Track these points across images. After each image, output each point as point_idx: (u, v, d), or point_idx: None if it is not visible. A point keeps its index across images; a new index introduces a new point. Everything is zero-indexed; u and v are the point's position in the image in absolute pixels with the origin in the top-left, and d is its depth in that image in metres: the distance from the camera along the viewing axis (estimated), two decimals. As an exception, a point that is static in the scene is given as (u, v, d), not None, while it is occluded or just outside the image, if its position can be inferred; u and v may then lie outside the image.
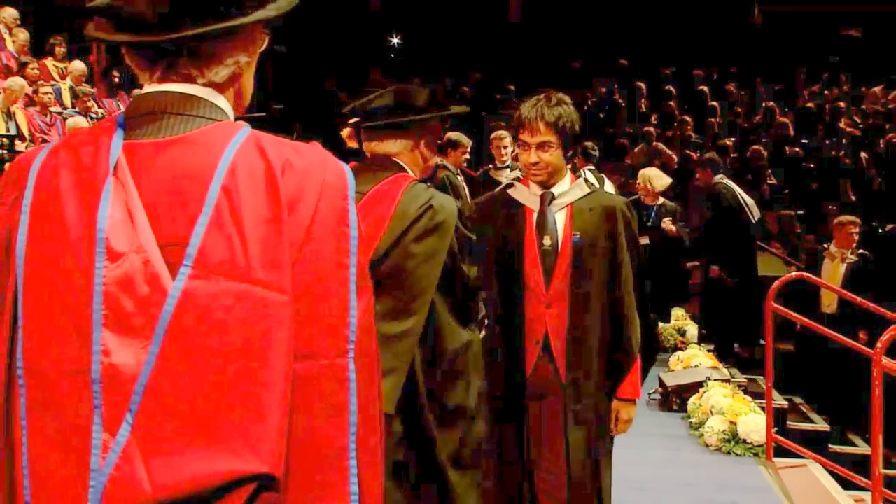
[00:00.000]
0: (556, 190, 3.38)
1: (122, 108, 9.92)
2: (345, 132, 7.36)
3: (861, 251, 8.71)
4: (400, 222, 2.68)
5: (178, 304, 1.28)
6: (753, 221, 9.07)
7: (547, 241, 3.34)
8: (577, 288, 3.31)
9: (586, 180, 4.18)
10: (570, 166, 3.44)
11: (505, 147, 8.54)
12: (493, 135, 8.89)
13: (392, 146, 2.86)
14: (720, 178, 9.12)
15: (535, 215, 3.38)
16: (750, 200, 9.12)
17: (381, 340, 2.62)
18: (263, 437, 1.28)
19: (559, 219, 3.37)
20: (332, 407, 1.34)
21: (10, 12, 11.39)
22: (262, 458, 1.27)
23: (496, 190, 4.00)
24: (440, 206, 2.74)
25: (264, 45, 1.51)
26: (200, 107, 1.41)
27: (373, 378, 1.41)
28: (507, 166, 8.47)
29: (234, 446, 1.26)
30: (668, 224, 9.17)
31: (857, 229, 8.71)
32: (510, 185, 3.52)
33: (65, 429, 1.30)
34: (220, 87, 1.44)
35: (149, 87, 1.43)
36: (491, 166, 8.88)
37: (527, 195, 3.42)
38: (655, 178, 9.48)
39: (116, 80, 12.13)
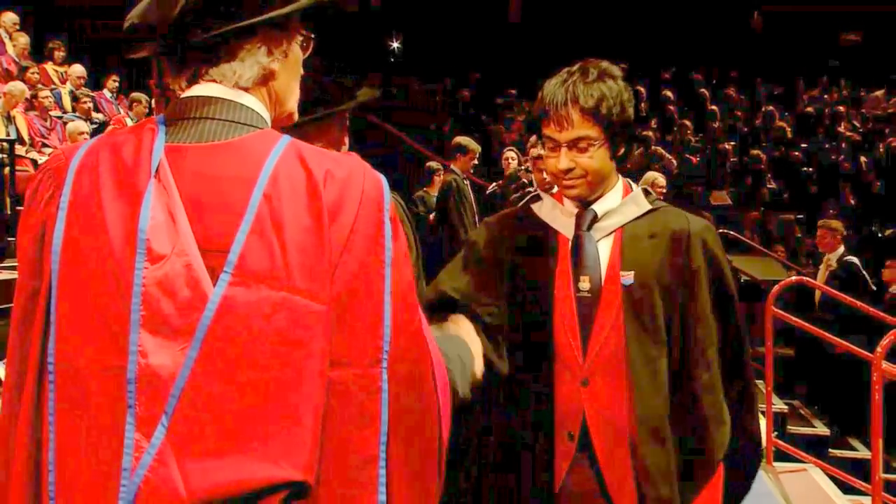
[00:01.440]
0: (599, 207, 2.29)
1: (123, 113, 9.87)
2: None
3: (846, 258, 8.70)
4: None
5: (218, 309, 1.29)
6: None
7: (585, 283, 2.24)
8: (630, 356, 2.20)
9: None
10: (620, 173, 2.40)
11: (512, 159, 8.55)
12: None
13: (317, 142, 2.69)
14: None
15: (569, 245, 2.29)
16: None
17: None
18: (299, 445, 1.28)
19: (603, 250, 2.27)
20: (363, 415, 1.35)
21: (10, 17, 11.40)
22: (296, 465, 1.28)
23: (517, 205, 2.83)
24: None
25: (306, 50, 1.53)
26: (242, 113, 1.43)
27: (413, 386, 1.41)
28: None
29: (269, 453, 1.27)
30: None
31: (836, 234, 8.69)
32: (535, 199, 2.42)
33: (95, 427, 1.30)
34: (254, 91, 1.46)
35: (188, 92, 1.45)
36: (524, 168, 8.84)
37: (558, 215, 2.33)
38: (656, 183, 9.48)
39: (116, 83, 12.14)
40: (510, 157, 9.31)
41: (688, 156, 14.08)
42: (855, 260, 8.63)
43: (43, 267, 1.37)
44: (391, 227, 1.40)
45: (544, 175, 4.93)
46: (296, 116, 1.58)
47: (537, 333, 2.27)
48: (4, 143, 8.61)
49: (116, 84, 12.15)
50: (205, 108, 1.41)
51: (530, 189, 6.06)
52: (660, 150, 13.63)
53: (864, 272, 8.61)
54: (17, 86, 9.78)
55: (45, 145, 9.78)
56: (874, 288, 8.76)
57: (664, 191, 9.23)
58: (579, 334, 2.24)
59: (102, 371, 1.30)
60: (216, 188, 1.35)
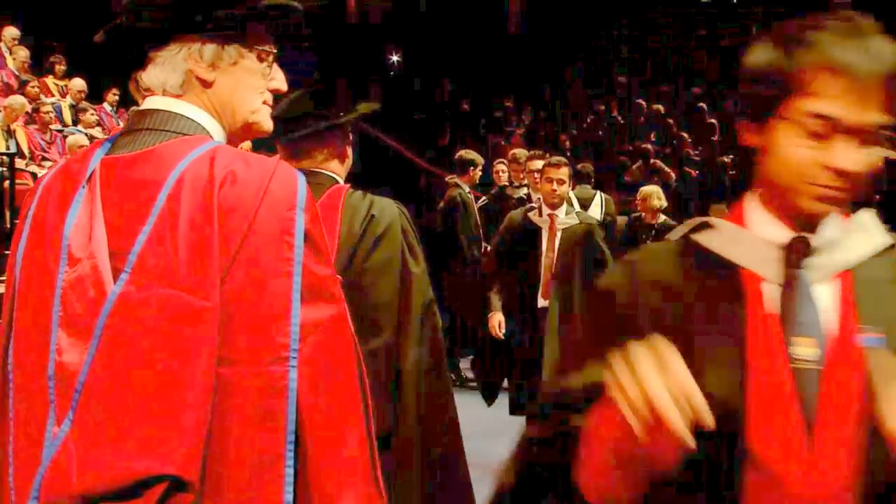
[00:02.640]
0: (820, 240, 1.44)
1: (122, 125, 9.98)
2: (245, 146, 7.23)
3: None
4: (347, 242, 2.61)
5: (114, 307, 1.35)
6: None
7: (804, 348, 1.36)
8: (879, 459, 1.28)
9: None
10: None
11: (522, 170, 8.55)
12: (510, 156, 9.00)
13: (319, 155, 2.73)
14: None
15: (769, 290, 1.41)
16: None
17: None
18: (175, 440, 1.31)
19: (827, 299, 1.41)
20: (264, 414, 1.35)
21: (11, 31, 11.43)
22: (171, 459, 1.30)
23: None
24: (380, 214, 2.66)
25: (263, 61, 1.54)
26: (174, 122, 1.49)
27: (334, 387, 1.41)
28: (525, 184, 8.41)
29: (147, 446, 1.31)
30: None
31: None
32: (703, 226, 1.52)
33: (32, 422, 1.39)
34: (190, 99, 1.51)
35: (142, 105, 1.54)
36: (507, 184, 8.90)
37: (750, 246, 1.46)
38: (656, 197, 9.49)
39: (116, 97, 12.16)
40: (501, 169, 9.36)
41: (687, 169, 14.09)
42: None
43: (10, 278, 1.49)
44: (306, 227, 1.40)
45: (554, 187, 5.70)
46: (265, 126, 1.59)
47: (729, 421, 1.31)
48: (4, 157, 8.64)
49: (117, 97, 12.17)
50: (144, 120, 1.50)
51: (533, 204, 6.23)
52: (658, 162, 13.65)
53: None
54: (17, 99, 9.80)
55: (44, 159, 9.79)
56: None
57: (662, 206, 9.25)
58: (800, 421, 1.33)
59: (34, 369, 1.40)
60: (131, 193, 1.42)
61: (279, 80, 1.60)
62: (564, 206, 5.90)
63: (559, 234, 5.80)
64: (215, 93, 1.52)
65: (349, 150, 2.79)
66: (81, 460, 1.32)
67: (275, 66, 1.59)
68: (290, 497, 1.36)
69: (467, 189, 8.32)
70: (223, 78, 1.52)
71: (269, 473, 1.35)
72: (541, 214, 5.86)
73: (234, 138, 1.57)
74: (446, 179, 10.06)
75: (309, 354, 1.37)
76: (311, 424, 1.37)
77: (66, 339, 1.37)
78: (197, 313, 1.33)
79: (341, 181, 2.76)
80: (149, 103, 1.51)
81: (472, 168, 8.37)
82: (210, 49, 1.50)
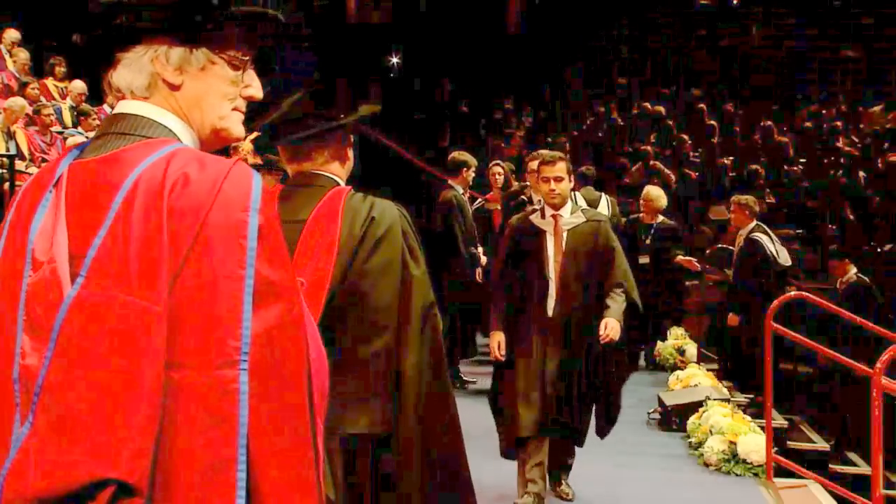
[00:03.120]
0: None
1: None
2: (245, 148, 7.21)
3: (856, 274, 8.73)
4: (347, 244, 2.61)
5: (69, 310, 1.35)
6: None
7: None
8: None
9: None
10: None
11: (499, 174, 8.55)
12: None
13: (320, 157, 2.73)
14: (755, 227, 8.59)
15: None
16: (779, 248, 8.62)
17: (356, 365, 2.62)
18: (121, 443, 1.30)
19: None
20: (214, 418, 1.33)
21: (11, 34, 11.43)
22: (117, 464, 1.29)
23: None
24: (381, 216, 2.66)
25: (237, 69, 1.53)
26: (141, 126, 1.49)
27: (283, 390, 1.39)
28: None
29: (95, 450, 1.30)
30: (682, 258, 9.06)
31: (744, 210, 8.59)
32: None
33: (4, 425, 1.40)
34: (158, 102, 1.51)
35: (115, 108, 1.55)
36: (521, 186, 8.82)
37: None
38: (663, 198, 9.48)
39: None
40: (497, 171, 9.33)
41: (686, 170, 14.10)
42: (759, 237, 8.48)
43: None
44: (259, 228, 1.38)
45: (552, 186, 5.11)
46: (234, 133, 1.58)
47: None
48: (4, 159, 8.64)
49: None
50: (113, 124, 1.51)
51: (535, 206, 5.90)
52: (658, 164, 13.66)
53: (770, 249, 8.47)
54: (17, 101, 9.81)
55: (45, 161, 9.79)
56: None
57: (662, 206, 9.23)
58: None
59: (3, 374, 1.40)
60: (91, 197, 1.42)
61: (255, 88, 1.59)
62: (569, 204, 5.29)
63: (565, 236, 5.21)
64: (183, 96, 1.52)
65: (350, 152, 2.79)
66: (37, 463, 1.32)
67: (250, 72, 1.57)
68: (242, 502, 1.34)
69: (461, 190, 8.28)
70: (191, 83, 1.51)
71: (220, 478, 1.33)
72: (544, 216, 5.25)
73: (205, 144, 1.56)
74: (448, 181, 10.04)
75: (258, 358, 1.35)
76: (257, 428, 1.35)
77: (29, 343, 1.38)
78: (146, 317, 1.32)
79: (342, 183, 2.76)
80: (120, 107, 1.52)
81: (464, 169, 8.30)
82: (177, 53, 1.50)
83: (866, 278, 8.84)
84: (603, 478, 5.85)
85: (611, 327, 4.98)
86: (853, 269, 8.89)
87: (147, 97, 1.51)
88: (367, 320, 2.58)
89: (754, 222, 8.55)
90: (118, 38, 1.50)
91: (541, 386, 5.07)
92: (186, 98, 1.52)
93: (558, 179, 5.16)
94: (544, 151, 5.49)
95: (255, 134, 2.78)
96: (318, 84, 2.71)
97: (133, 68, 1.51)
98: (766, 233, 8.52)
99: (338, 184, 2.74)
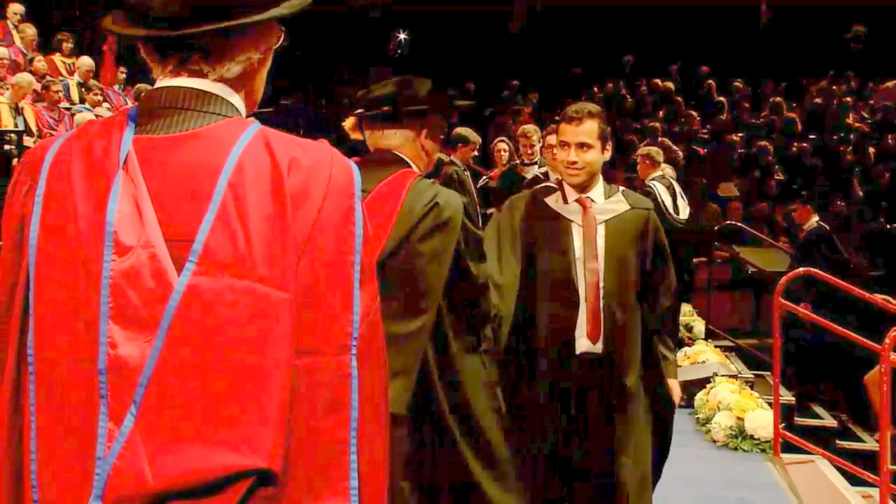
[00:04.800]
0: None
1: (130, 103, 9.91)
2: (348, 123, 7.21)
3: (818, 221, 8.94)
4: (405, 221, 2.63)
5: (183, 299, 1.30)
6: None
7: None
8: None
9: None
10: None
11: (532, 145, 8.18)
12: (519, 131, 8.50)
13: (394, 138, 2.80)
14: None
15: None
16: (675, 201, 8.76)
17: (390, 340, 2.61)
18: (262, 433, 1.29)
19: None
20: (333, 402, 1.35)
21: (16, 8, 11.40)
22: (260, 453, 1.29)
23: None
24: (446, 203, 2.69)
25: (279, 43, 1.53)
26: (213, 103, 1.43)
27: (377, 374, 1.42)
28: (536, 162, 8.07)
29: (233, 441, 1.28)
30: None
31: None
32: None
33: (71, 416, 1.33)
34: (232, 83, 1.46)
35: (161, 82, 1.46)
36: (518, 162, 8.55)
37: None
38: (655, 153, 9.31)
39: (123, 75, 12.15)
40: (502, 148, 9.12)
41: (695, 147, 14.04)
42: None
43: (21, 261, 1.40)
44: (361, 214, 1.40)
45: (572, 157, 3.32)
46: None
47: None
48: (12, 135, 8.64)
49: (123, 76, 12.15)
50: (176, 99, 1.43)
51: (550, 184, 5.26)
52: (666, 141, 13.60)
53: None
54: (24, 77, 9.79)
55: (52, 136, 9.80)
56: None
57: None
58: None
59: (77, 361, 1.33)
60: (182, 178, 1.36)
61: None
62: (600, 184, 3.50)
63: (602, 231, 3.43)
64: (253, 78, 1.51)
65: (426, 138, 2.85)
66: (154, 457, 1.27)
67: None
68: (355, 483, 1.36)
69: (463, 166, 8.13)
70: (261, 65, 1.51)
71: (336, 460, 1.35)
72: (566, 200, 3.47)
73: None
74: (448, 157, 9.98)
75: (361, 342, 1.38)
76: (362, 409, 1.37)
77: (121, 332, 1.30)
78: (275, 304, 1.31)
79: (413, 167, 2.82)
80: (182, 81, 1.44)
81: (461, 144, 8.15)
82: (273, 39, 1.50)
83: (826, 226, 8.93)
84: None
85: (675, 398, 3.54)
86: (815, 217, 9.03)
87: (230, 79, 1.46)
88: (410, 300, 2.60)
89: (658, 171, 8.64)
90: (237, 30, 1.43)
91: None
92: (259, 79, 1.52)
93: (583, 147, 3.40)
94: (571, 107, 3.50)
95: (358, 111, 2.89)
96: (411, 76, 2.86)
97: (239, 58, 1.46)
98: (670, 186, 8.59)
99: (409, 166, 2.80)
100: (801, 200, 9.39)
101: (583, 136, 3.39)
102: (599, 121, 3.43)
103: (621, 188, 3.63)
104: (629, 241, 3.45)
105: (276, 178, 1.35)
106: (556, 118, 6.13)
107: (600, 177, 3.52)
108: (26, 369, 1.37)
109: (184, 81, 1.44)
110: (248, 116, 1.49)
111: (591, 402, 3.40)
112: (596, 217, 3.45)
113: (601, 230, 3.44)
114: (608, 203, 3.49)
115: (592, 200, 3.48)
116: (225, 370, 1.29)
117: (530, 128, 8.42)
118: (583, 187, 3.47)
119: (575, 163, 3.41)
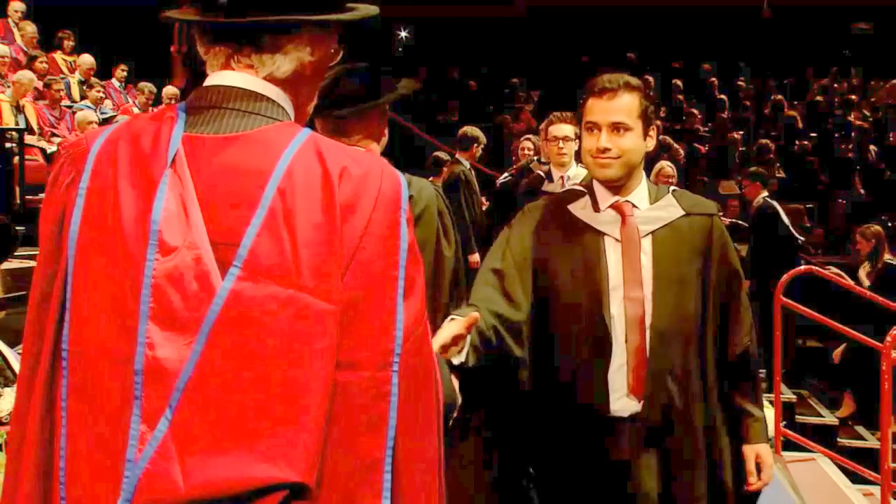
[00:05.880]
0: None
1: (131, 102, 9.85)
2: None
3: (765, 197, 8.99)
4: None
5: (225, 304, 1.27)
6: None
7: None
8: None
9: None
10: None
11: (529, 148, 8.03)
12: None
13: (356, 134, 2.65)
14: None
15: None
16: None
17: None
18: (298, 446, 1.26)
19: None
20: (370, 419, 1.32)
21: (17, 5, 11.40)
22: (295, 466, 1.26)
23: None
24: (418, 194, 2.65)
25: (336, 59, 1.51)
26: (264, 104, 1.40)
27: (425, 394, 1.39)
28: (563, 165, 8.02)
29: (268, 452, 1.26)
30: None
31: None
32: None
33: (103, 415, 1.30)
34: (282, 85, 1.43)
35: (212, 78, 1.43)
36: (535, 159, 8.16)
37: None
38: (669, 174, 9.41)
39: (125, 73, 12.15)
40: (527, 146, 8.98)
41: (696, 145, 14.03)
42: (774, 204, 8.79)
43: (60, 251, 1.38)
44: (406, 228, 1.37)
45: (606, 142, 2.44)
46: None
47: None
48: (14, 133, 8.63)
49: (125, 73, 12.15)
50: (227, 99, 1.39)
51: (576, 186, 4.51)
52: (668, 139, 13.59)
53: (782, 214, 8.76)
54: (25, 75, 9.79)
55: (53, 135, 9.79)
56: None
57: (674, 180, 9.21)
58: None
59: (112, 360, 1.30)
60: (231, 180, 1.33)
61: None
62: (644, 184, 2.61)
63: (648, 246, 2.53)
64: (304, 84, 1.48)
65: (385, 130, 2.75)
66: (187, 464, 1.25)
67: None
68: (388, 503, 1.33)
69: (468, 166, 8.18)
70: (315, 72, 1.48)
71: (369, 478, 1.32)
72: (597, 208, 2.59)
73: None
74: (434, 155, 9.95)
75: (404, 359, 1.34)
76: (402, 429, 1.34)
77: (160, 334, 1.27)
78: (319, 315, 1.28)
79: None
80: (231, 79, 1.41)
81: (474, 145, 8.20)
82: (327, 46, 1.47)
83: (773, 202, 8.98)
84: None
85: (766, 472, 2.57)
86: (763, 193, 9.07)
87: (281, 80, 1.43)
88: None
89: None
90: (293, 26, 1.41)
91: None
92: (310, 86, 1.50)
93: (617, 128, 2.51)
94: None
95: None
96: (357, 63, 2.69)
97: (290, 55, 1.43)
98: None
99: None
100: (750, 177, 9.48)
101: (618, 113, 2.51)
102: (641, 96, 2.56)
103: (672, 188, 2.70)
104: (686, 259, 2.54)
105: (326, 188, 1.32)
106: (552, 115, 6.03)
107: (643, 173, 2.62)
108: (60, 363, 1.35)
109: (234, 79, 1.41)
110: (328, 118, 1.50)
111: (637, 481, 2.48)
112: (639, 228, 2.55)
113: (647, 246, 2.54)
114: (655, 209, 2.58)
115: (634, 206, 2.57)
116: (263, 379, 1.26)
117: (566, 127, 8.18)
118: (619, 187, 2.56)
119: (607, 150, 2.51)
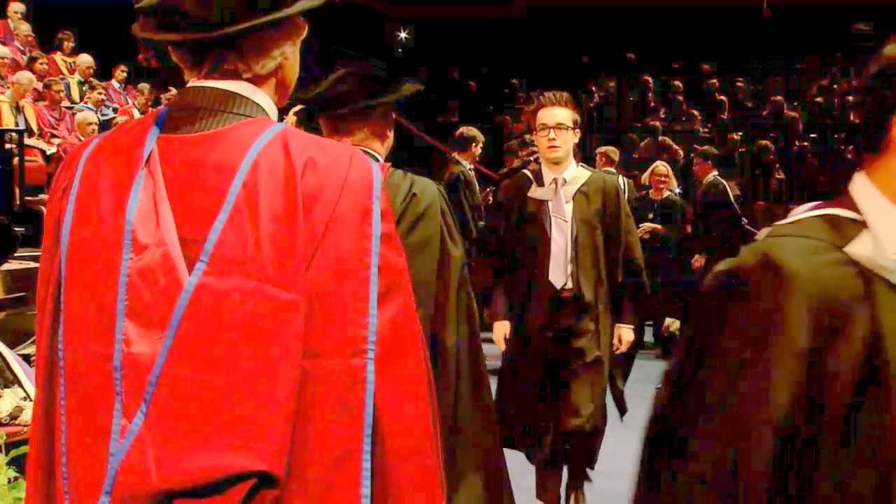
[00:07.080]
0: None
1: (131, 103, 9.84)
2: (289, 120, 7.20)
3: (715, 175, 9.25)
4: None
5: (192, 298, 1.30)
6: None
7: None
8: None
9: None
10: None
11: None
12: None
13: (360, 133, 2.72)
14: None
15: None
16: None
17: None
18: (265, 435, 1.28)
19: None
20: (343, 407, 1.33)
21: (16, 6, 11.40)
22: (261, 455, 1.28)
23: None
24: (422, 193, 2.69)
25: (305, 33, 1.52)
26: (237, 104, 1.42)
27: (413, 385, 1.40)
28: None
29: (235, 442, 1.28)
30: (646, 225, 8.95)
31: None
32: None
33: (92, 411, 1.34)
34: (263, 80, 1.46)
35: (193, 82, 1.45)
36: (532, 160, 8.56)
37: None
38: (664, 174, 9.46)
39: (125, 74, 12.15)
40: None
41: (696, 146, 14.02)
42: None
43: (55, 257, 1.42)
44: (381, 215, 1.38)
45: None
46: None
47: None
48: (13, 134, 8.63)
49: (125, 74, 12.16)
50: (202, 99, 1.42)
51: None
52: (667, 140, 13.59)
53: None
54: (25, 75, 9.80)
55: (53, 135, 9.80)
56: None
57: (667, 179, 9.23)
58: None
59: (95, 359, 1.34)
60: (200, 177, 1.36)
61: None
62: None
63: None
64: (284, 73, 1.50)
65: (390, 130, 2.79)
66: (160, 456, 1.27)
67: None
68: (367, 491, 1.34)
69: (469, 166, 8.22)
70: (293, 58, 1.50)
71: (346, 466, 1.33)
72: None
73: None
74: (453, 156, 9.97)
75: (384, 347, 1.35)
76: (384, 418, 1.35)
77: (135, 330, 1.31)
78: (283, 306, 1.29)
79: (381, 160, 2.77)
80: (212, 83, 1.44)
81: (473, 145, 8.26)
82: (303, 31, 1.50)
83: (723, 180, 9.19)
84: (609, 452, 5.87)
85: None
86: (714, 172, 9.30)
87: (264, 77, 1.46)
88: None
89: (611, 169, 9.01)
90: (270, 25, 1.42)
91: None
92: (290, 73, 1.51)
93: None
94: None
95: (299, 107, 2.79)
96: (362, 63, 2.71)
97: (273, 53, 1.46)
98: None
99: (377, 160, 2.75)
100: (703, 157, 9.71)
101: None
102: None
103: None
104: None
105: (289, 178, 1.34)
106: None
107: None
108: (58, 363, 1.39)
109: (215, 83, 1.43)
110: (328, 118, 1.50)
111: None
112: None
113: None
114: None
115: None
116: (230, 370, 1.29)
117: None
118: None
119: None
